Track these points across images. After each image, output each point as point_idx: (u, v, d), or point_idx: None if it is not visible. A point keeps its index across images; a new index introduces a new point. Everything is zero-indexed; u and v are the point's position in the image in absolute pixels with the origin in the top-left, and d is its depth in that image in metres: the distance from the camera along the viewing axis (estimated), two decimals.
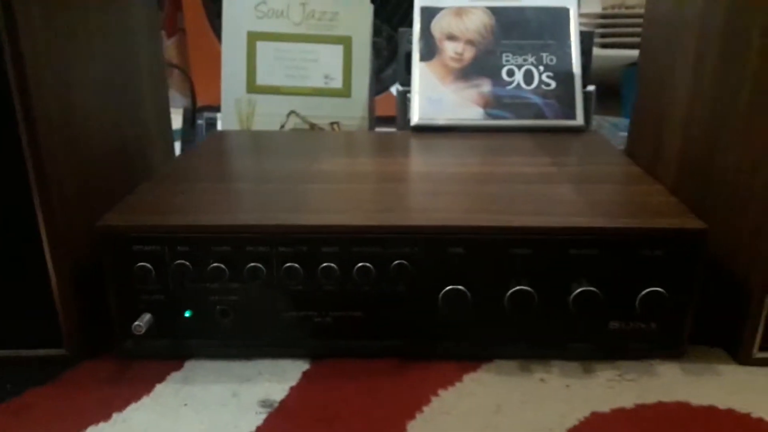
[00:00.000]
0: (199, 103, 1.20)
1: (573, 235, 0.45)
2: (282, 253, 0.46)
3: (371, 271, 0.46)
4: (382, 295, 0.47)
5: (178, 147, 1.00)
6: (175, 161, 0.62)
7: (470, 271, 0.46)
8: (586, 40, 0.78)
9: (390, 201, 0.50)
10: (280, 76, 0.81)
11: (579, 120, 0.71)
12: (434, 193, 0.52)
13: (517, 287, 0.45)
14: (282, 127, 0.82)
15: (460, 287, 0.46)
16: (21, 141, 0.43)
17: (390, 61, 1.23)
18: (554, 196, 0.51)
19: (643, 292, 0.45)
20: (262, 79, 0.82)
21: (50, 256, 0.45)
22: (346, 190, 0.53)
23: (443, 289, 0.46)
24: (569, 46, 0.72)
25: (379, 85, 1.16)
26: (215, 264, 0.45)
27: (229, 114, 0.82)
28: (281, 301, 0.47)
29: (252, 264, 0.45)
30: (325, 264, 0.46)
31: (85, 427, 0.42)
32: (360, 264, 0.46)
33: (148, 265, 0.46)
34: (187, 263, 0.46)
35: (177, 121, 1.11)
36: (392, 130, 0.83)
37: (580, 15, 1.20)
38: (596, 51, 1.23)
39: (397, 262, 0.46)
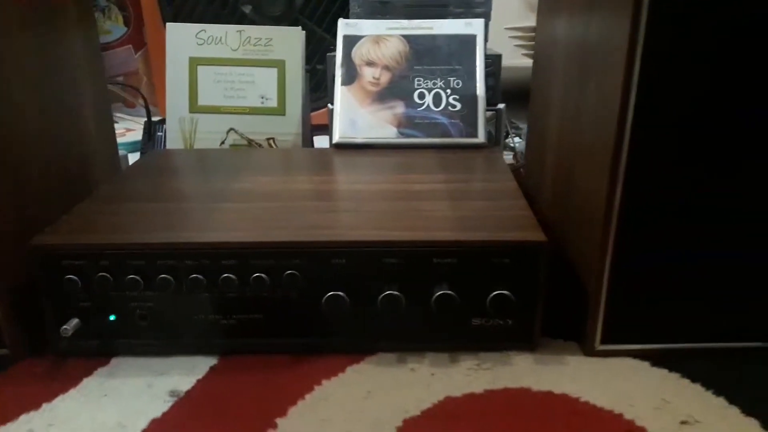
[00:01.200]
0: (161, 115, 1.27)
1: (435, 246, 0.54)
2: (188, 266, 0.54)
3: (266, 281, 0.54)
4: (277, 300, 0.55)
5: (137, 158, 1.07)
6: (112, 181, 0.70)
7: (349, 279, 0.54)
8: (495, 62, 0.86)
9: (287, 219, 0.58)
10: (220, 97, 0.89)
11: (480, 138, 0.79)
12: (329, 210, 0.61)
13: (388, 291, 0.53)
14: (222, 143, 0.90)
15: (339, 293, 0.54)
16: None
17: None
18: (431, 212, 0.59)
19: (492, 295, 0.53)
20: (203, 100, 0.89)
21: None
22: (253, 208, 0.61)
23: (326, 294, 0.54)
24: (475, 71, 0.80)
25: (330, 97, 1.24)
26: (132, 276, 0.54)
27: (173, 132, 0.90)
28: (190, 307, 0.55)
29: (162, 276, 0.53)
30: (225, 275, 0.54)
31: (18, 416, 0.50)
32: (256, 274, 0.54)
33: (75, 277, 0.54)
34: (108, 275, 0.54)
35: (140, 133, 1.19)
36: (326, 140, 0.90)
37: (516, 29, 1.28)
38: (530, 62, 1.31)
39: (288, 272, 0.54)
